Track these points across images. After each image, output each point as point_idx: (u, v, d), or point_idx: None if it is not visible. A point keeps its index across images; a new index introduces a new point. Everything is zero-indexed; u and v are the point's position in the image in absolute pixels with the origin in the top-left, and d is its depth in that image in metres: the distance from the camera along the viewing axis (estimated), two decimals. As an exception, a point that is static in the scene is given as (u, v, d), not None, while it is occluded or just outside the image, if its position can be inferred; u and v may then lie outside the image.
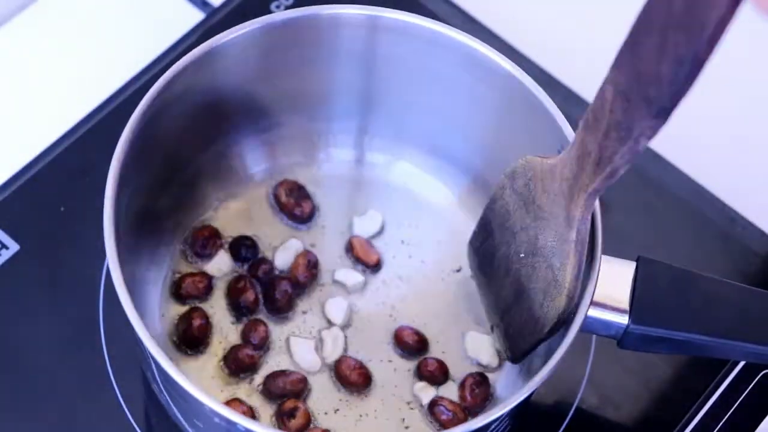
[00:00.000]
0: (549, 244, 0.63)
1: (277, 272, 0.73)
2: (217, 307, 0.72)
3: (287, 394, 0.69)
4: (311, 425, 0.69)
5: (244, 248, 0.73)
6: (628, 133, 0.54)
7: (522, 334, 0.66)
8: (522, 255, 0.65)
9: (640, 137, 0.53)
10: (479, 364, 0.72)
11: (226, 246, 0.74)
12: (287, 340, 0.71)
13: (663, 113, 0.52)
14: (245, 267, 0.73)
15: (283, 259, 0.74)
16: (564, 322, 0.62)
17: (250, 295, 0.72)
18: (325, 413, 0.70)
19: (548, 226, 0.62)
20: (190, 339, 0.70)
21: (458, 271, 0.74)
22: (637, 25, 0.51)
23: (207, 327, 0.71)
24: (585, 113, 0.57)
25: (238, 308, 0.72)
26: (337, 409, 0.70)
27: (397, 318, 0.73)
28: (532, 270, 0.64)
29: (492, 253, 0.69)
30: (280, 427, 0.68)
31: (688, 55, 0.48)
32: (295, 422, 0.68)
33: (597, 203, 0.63)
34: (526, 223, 0.64)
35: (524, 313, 0.66)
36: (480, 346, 0.72)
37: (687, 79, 0.49)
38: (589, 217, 0.60)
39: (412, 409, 0.71)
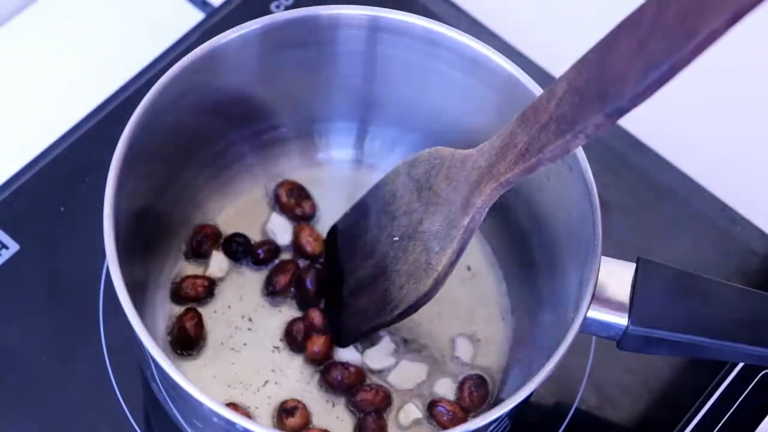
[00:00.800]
0: (434, 229, 0.63)
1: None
2: (219, 309, 0.72)
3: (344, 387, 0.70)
4: (310, 425, 0.69)
5: (235, 244, 0.73)
6: (569, 127, 0.54)
7: (365, 315, 0.68)
8: (396, 238, 0.66)
9: (579, 133, 0.54)
10: (469, 365, 0.72)
11: (226, 246, 0.74)
12: None
13: (616, 113, 0.52)
14: (247, 264, 0.74)
15: (281, 237, 0.74)
16: (418, 306, 0.64)
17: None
18: (325, 413, 0.70)
19: (439, 211, 0.63)
20: (184, 340, 0.70)
21: (468, 269, 0.74)
22: (620, 29, 0.52)
23: (201, 328, 0.71)
24: (525, 108, 0.58)
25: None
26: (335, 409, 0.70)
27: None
28: (402, 253, 0.65)
29: (359, 235, 0.70)
30: (278, 425, 0.69)
31: (666, 61, 0.48)
32: (294, 421, 0.68)
33: (596, 201, 0.63)
34: (413, 207, 0.65)
35: (376, 295, 0.67)
36: (471, 349, 0.72)
37: (654, 84, 0.50)
38: (487, 208, 0.61)
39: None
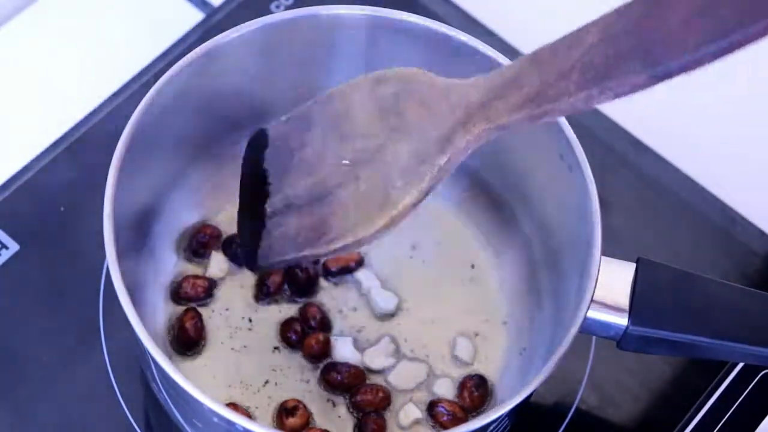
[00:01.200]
0: (397, 161, 0.57)
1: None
2: (219, 310, 0.72)
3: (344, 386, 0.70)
4: (310, 425, 0.69)
5: (235, 245, 0.73)
6: (596, 81, 0.49)
7: (293, 242, 0.61)
8: (346, 162, 0.59)
9: (609, 90, 0.49)
10: (469, 365, 0.72)
11: (226, 247, 0.74)
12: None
13: (662, 76, 0.47)
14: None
15: None
16: (362, 244, 0.58)
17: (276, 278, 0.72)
18: (325, 413, 0.70)
19: (407, 141, 0.57)
20: (184, 340, 0.70)
21: (472, 267, 0.74)
22: None
23: (201, 328, 0.71)
24: (536, 50, 0.53)
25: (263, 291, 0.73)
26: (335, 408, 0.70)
27: (396, 318, 0.73)
28: (352, 180, 0.59)
29: (296, 148, 0.63)
30: (278, 425, 0.69)
31: (738, 30, 0.43)
32: (294, 421, 0.68)
33: (596, 201, 0.63)
34: (372, 131, 0.59)
35: (309, 221, 0.60)
36: (471, 349, 0.72)
37: (716, 53, 0.45)
38: (470, 151, 0.55)
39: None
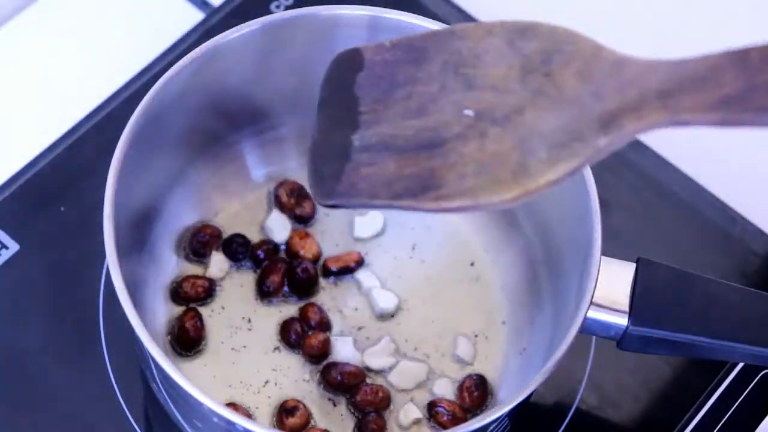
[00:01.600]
0: (543, 128, 0.51)
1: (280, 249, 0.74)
2: (219, 310, 0.72)
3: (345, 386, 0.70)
4: (310, 425, 0.69)
5: (235, 245, 0.73)
6: None
7: (389, 184, 0.54)
8: (469, 113, 0.53)
9: None
10: (469, 364, 0.72)
11: (226, 246, 0.74)
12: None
13: None
14: (247, 264, 0.74)
15: (279, 234, 0.74)
16: (480, 209, 0.54)
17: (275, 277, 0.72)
18: (327, 413, 0.70)
19: (558, 109, 0.51)
20: (184, 340, 0.70)
21: (472, 265, 0.74)
22: None
23: (201, 328, 0.71)
24: (744, 48, 0.48)
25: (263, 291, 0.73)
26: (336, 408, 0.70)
27: (396, 318, 0.73)
28: (477, 136, 0.53)
29: (404, 81, 0.56)
30: (278, 425, 0.69)
31: None
32: (294, 421, 0.68)
33: (596, 201, 0.63)
34: (510, 87, 0.53)
35: (410, 168, 0.54)
36: (471, 349, 0.72)
37: None
38: (635, 137, 0.50)
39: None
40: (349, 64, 0.58)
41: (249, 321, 0.72)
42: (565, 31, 0.54)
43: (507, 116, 0.52)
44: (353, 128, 0.56)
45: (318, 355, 0.71)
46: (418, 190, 0.53)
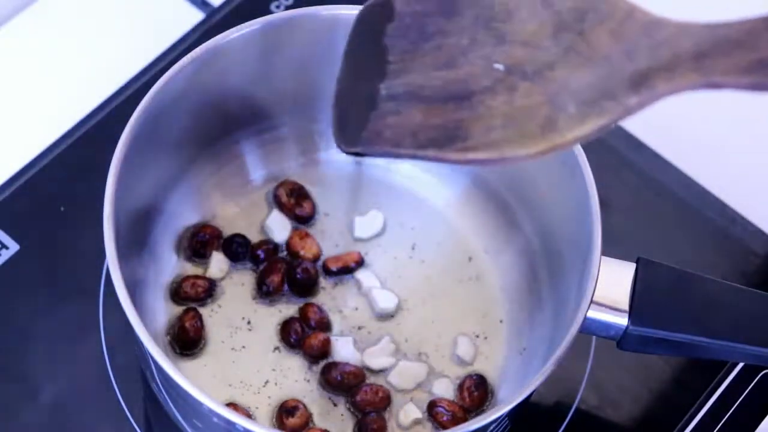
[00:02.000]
0: (573, 85, 0.51)
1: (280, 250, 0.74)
2: (219, 310, 0.72)
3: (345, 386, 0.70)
4: (309, 425, 0.69)
5: (235, 245, 0.73)
6: None
7: (414, 134, 0.54)
8: (500, 67, 0.53)
9: None
10: (469, 364, 0.72)
11: (226, 246, 0.74)
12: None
13: None
14: (247, 264, 0.74)
15: (279, 234, 0.74)
16: (506, 163, 0.52)
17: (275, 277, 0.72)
18: (327, 412, 0.70)
19: (589, 67, 0.51)
20: (184, 340, 0.70)
21: (471, 263, 0.74)
22: None
23: (201, 328, 0.71)
24: None
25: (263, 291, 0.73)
26: (335, 408, 0.70)
27: (396, 318, 0.73)
28: (506, 90, 0.52)
29: (433, 33, 0.56)
30: (278, 425, 0.69)
31: None
32: (294, 421, 0.68)
33: (596, 201, 0.63)
34: (542, 43, 0.53)
35: (438, 117, 0.53)
36: (471, 349, 0.72)
37: None
38: (665, 98, 0.49)
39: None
40: (379, 13, 0.57)
41: (249, 321, 0.72)
42: None
43: (538, 71, 0.52)
44: (381, 77, 0.56)
45: (318, 355, 0.71)
46: (443, 140, 0.53)
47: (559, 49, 0.52)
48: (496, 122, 0.52)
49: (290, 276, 0.72)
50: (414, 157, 0.54)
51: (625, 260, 0.65)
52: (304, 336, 0.71)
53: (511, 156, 0.51)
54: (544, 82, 0.52)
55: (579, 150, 0.65)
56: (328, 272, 0.74)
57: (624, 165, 0.81)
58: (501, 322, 0.73)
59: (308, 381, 0.71)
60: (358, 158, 0.55)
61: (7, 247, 0.75)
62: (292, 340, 0.71)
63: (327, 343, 0.71)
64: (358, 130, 0.55)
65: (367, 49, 0.57)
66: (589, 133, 0.50)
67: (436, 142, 0.53)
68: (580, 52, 0.52)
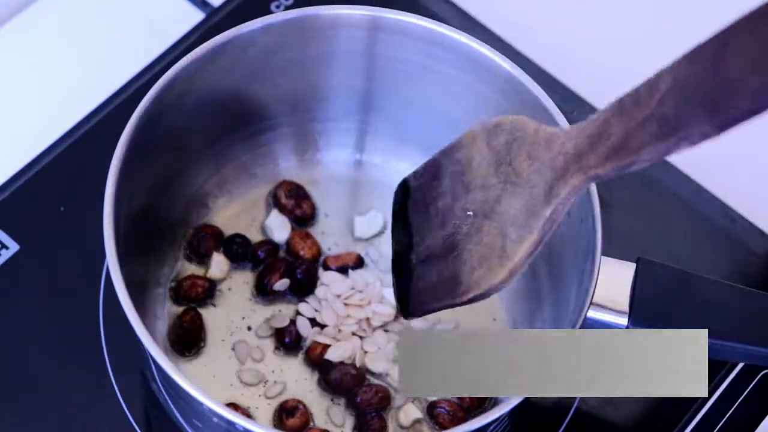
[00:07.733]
0: (511, 212, 0.58)
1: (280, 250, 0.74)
2: (219, 310, 0.72)
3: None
4: (309, 425, 0.69)
5: (235, 245, 0.73)
6: (671, 132, 0.48)
7: (434, 292, 0.63)
8: (470, 213, 0.61)
9: (682, 140, 0.48)
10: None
11: (225, 247, 0.74)
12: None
13: (726, 125, 0.46)
14: (247, 265, 0.74)
15: (279, 234, 0.74)
16: (489, 295, 0.60)
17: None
18: (325, 413, 0.70)
19: (519, 193, 0.58)
20: (184, 340, 0.70)
21: None
22: (742, 23, 0.45)
23: (201, 328, 0.71)
24: (623, 96, 0.52)
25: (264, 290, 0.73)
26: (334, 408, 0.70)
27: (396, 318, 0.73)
28: (476, 232, 0.60)
29: (431, 200, 0.64)
30: (278, 425, 0.69)
31: None
32: (294, 421, 0.68)
33: (596, 201, 0.63)
34: (490, 182, 0.60)
35: (446, 272, 0.62)
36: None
37: None
38: (572, 200, 0.55)
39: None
40: (402, 193, 0.66)
41: (249, 321, 0.72)
42: (518, 119, 0.59)
43: (492, 208, 0.59)
44: (410, 249, 0.65)
45: (320, 362, 0.71)
46: (451, 289, 0.61)
47: (501, 182, 0.59)
48: (474, 263, 0.60)
49: (290, 276, 0.72)
50: (437, 310, 0.64)
51: (625, 260, 0.65)
52: (299, 338, 0.71)
53: (488, 288, 0.59)
54: (496, 216, 0.59)
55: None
56: (327, 271, 0.74)
57: (624, 165, 0.81)
58: (501, 321, 0.73)
59: (308, 381, 0.71)
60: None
61: (7, 247, 0.75)
62: (287, 343, 0.71)
63: (328, 347, 0.71)
64: (407, 303, 0.66)
65: (401, 225, 0.66)
66: (529, 252, 0.57)
67: (449, 292, 0.62)
68: (512, 181, 0.58)
